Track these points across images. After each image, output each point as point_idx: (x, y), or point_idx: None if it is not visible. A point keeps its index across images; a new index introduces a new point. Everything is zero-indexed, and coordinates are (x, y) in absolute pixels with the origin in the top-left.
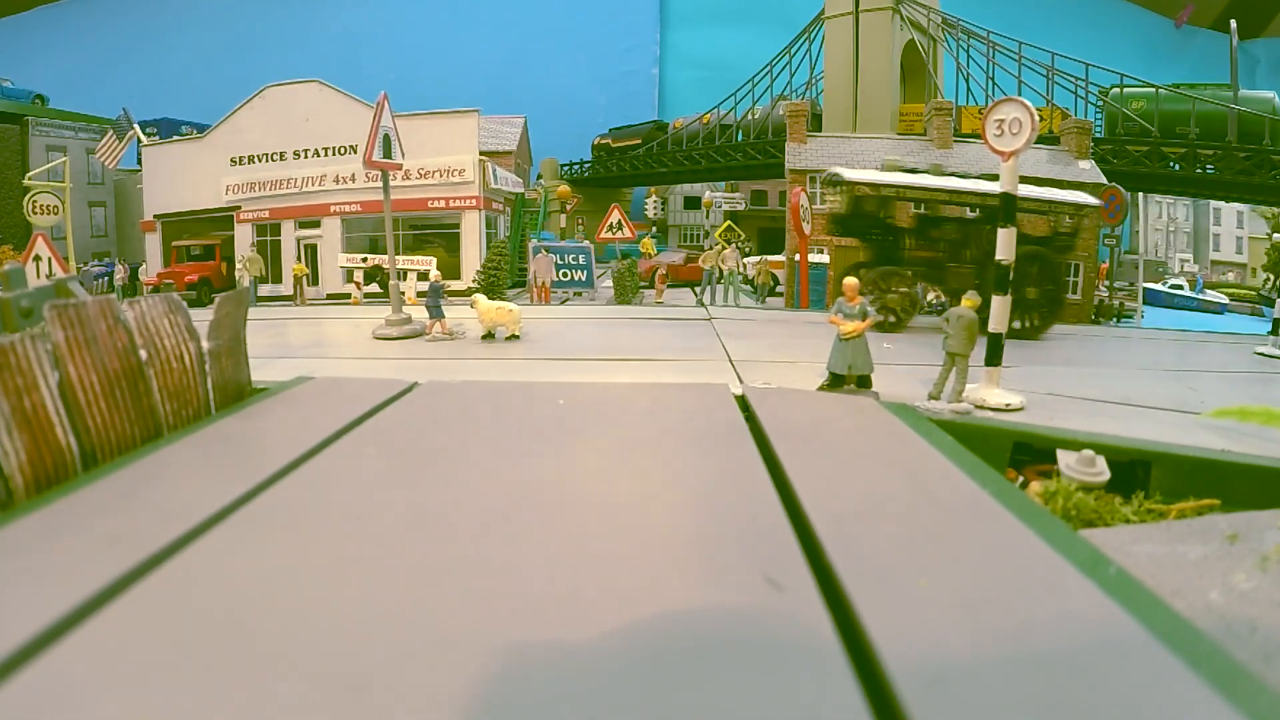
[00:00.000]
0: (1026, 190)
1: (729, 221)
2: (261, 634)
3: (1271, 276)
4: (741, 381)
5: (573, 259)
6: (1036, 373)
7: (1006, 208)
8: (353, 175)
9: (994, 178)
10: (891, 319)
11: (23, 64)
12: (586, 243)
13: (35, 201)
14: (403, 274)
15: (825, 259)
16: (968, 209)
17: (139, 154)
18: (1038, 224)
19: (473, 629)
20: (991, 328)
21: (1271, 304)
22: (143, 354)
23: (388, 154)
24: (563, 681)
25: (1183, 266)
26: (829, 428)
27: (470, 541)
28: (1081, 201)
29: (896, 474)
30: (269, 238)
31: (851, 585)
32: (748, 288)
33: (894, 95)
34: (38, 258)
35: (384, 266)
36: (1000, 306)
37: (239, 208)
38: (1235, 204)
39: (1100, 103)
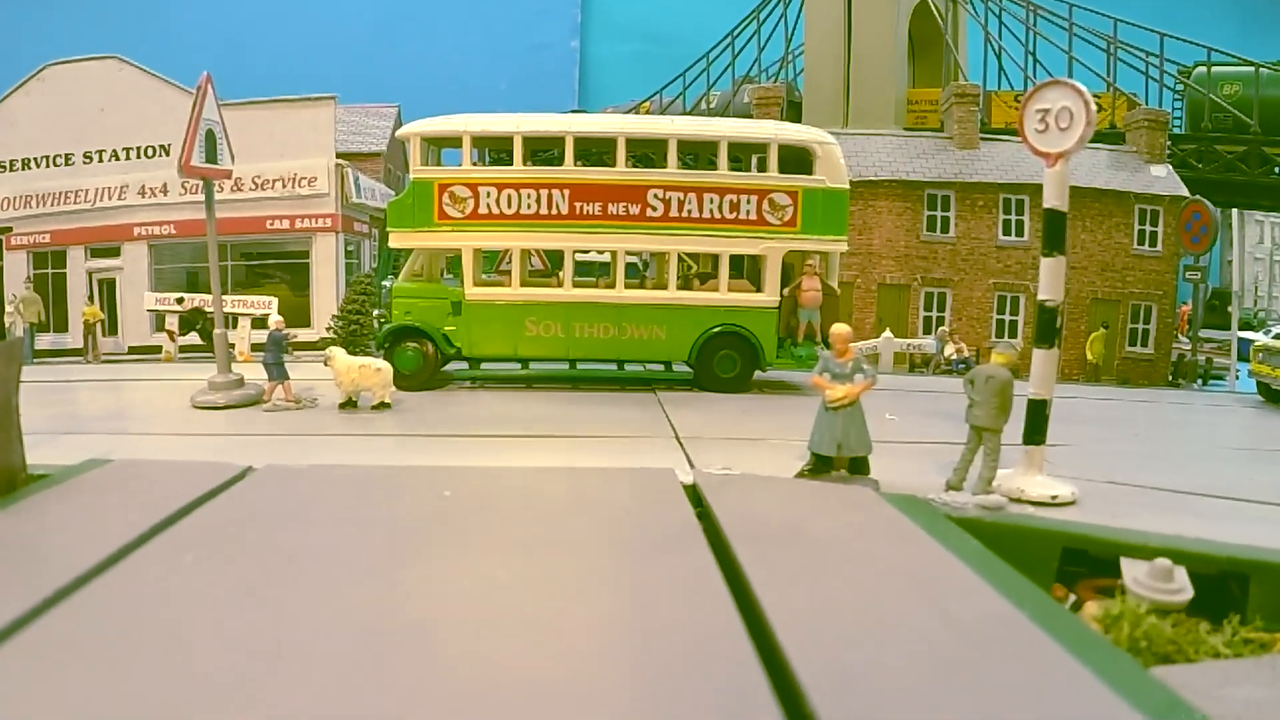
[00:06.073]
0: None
1: None
2: None
3: None
4: (692, 465)
5: None
6: (1094, 452)
7: (1052, 230)
8: (164, 185)
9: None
10: None
11: None
12: None
13: None
14: (233, 320)
15: None
16: None
17: None
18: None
19: None
20: (1032, 392)
21: None
22: None
23: (212, 157)
24: None
25: None
26: (811, 527)
27: (322, 682)
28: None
29: (903, 589)
30: (50, 270)
31: None
32: None
33: (899, 77)
34: None
35: (207, 310)
36: (1044, 363)
37: (8, 229)
38: None
39: (1180, 87)
